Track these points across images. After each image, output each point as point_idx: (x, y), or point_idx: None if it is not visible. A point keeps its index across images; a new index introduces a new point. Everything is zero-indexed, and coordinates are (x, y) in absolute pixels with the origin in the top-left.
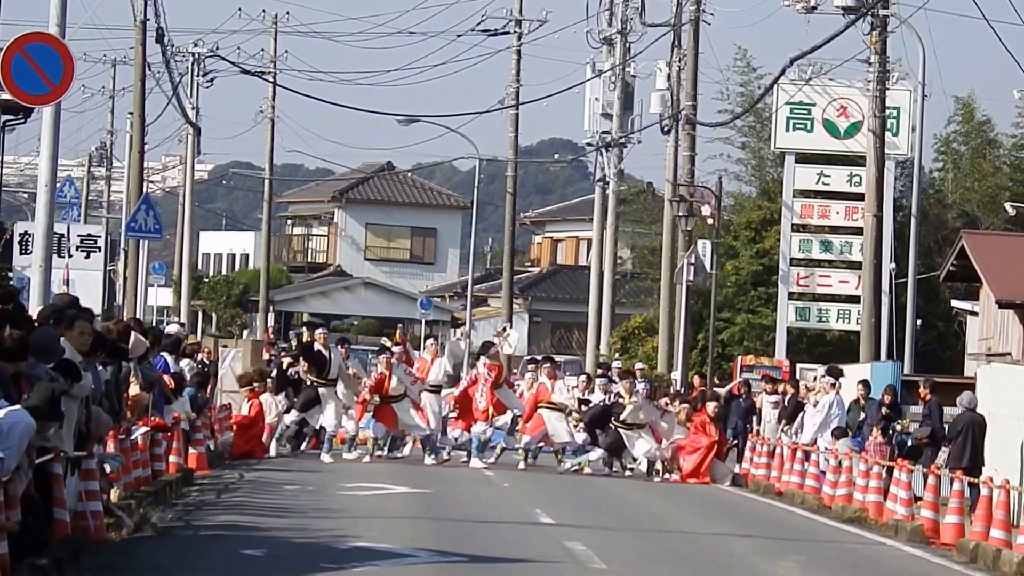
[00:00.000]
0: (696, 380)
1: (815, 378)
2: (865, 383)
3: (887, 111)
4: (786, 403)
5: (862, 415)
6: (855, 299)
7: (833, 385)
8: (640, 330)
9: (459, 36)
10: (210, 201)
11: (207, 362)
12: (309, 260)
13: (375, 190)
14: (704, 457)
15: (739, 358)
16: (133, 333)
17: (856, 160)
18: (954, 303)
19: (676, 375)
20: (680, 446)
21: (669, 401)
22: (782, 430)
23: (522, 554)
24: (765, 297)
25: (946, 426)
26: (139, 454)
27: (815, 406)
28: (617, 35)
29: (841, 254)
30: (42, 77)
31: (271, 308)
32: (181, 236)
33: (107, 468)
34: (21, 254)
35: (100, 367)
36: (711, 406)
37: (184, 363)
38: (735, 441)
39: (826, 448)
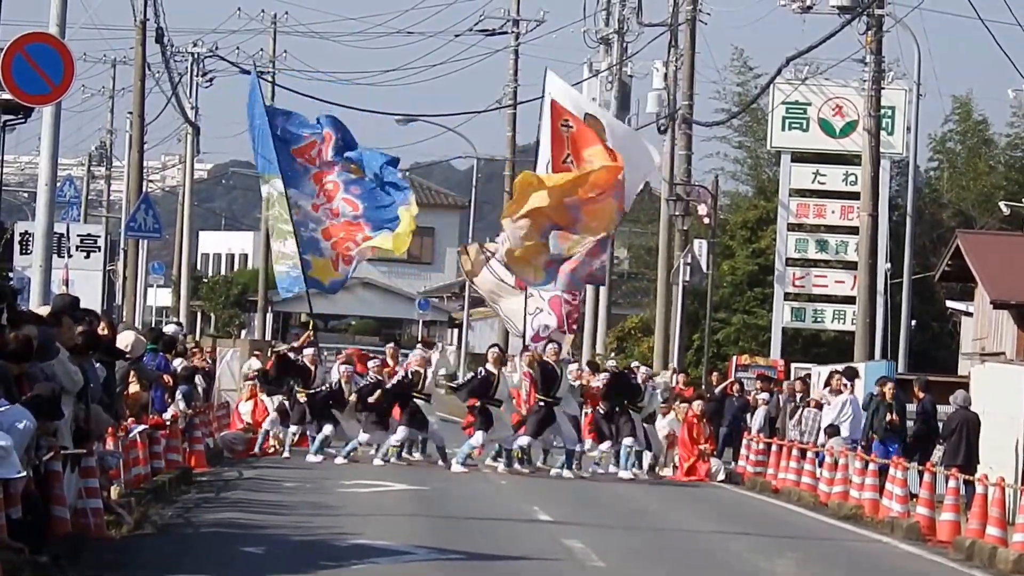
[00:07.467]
0: (681, 378)
1: (814, 375)
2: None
3: (882, 111)
4: (795, 401)
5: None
6: (850, 299)
7: (847, 386)
8: (636, 330)
9: (457, 36)
10: (209, 201)
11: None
12: None
13: None
14: (700, 456)
15: (734, 358)
16: (133, 333)
17: (852, 159)
18: (948, 303)
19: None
20: (677, 441)
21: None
22: (792, 428)
23: (520, 552)
24: (761, 297)
25: (940, 424)
26: (138, 452)
27: (830, 405)
28: (614, 35)
29: (837, 254)
30: (42, 77)
31: (269, 308)
32: (180, 236)
33: (107, 464)
34: (21, 254)
35: (98, 365)
36: (697, 405)
37: (177, 362)
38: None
39: (822, 446)
